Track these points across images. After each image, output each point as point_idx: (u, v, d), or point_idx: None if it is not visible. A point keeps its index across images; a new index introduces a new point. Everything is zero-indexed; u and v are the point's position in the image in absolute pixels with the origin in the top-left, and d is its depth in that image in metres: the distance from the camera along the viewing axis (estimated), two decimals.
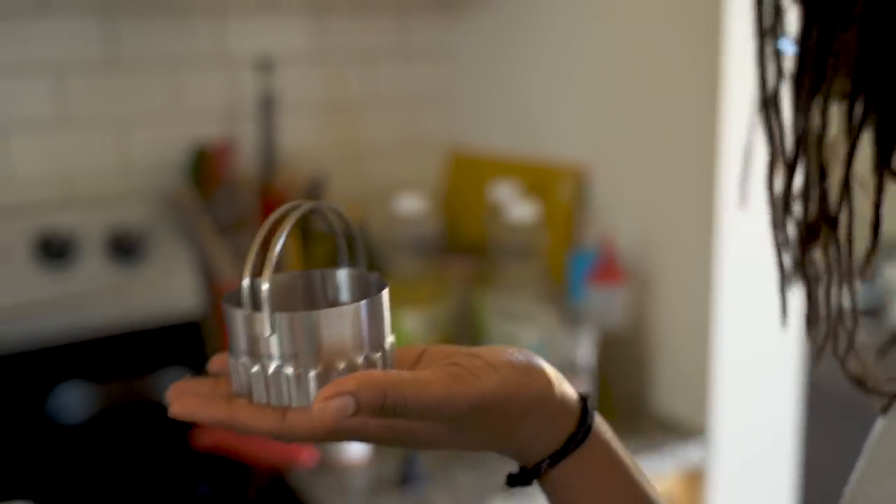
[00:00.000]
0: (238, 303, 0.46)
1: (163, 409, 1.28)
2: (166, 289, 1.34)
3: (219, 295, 1.35)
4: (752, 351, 1.21)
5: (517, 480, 0.48)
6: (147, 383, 1.31)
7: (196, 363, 1.35)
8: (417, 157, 1.63)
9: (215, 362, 0.48)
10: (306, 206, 0.45)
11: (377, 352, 0.45)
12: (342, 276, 0.51)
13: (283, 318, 0.42)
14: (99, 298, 1.30)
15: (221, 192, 1.34)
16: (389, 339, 0.47)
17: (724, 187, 1.13)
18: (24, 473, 1.10)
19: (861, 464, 0.51)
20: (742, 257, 1.17)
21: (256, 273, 1.22)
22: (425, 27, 1.60)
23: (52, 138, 1.32)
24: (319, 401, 0.39)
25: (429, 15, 1.59)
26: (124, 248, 1.30)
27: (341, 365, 0.43)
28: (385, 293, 0.46)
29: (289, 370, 0.43)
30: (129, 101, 1.36)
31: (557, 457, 0.46)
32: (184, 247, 1.35)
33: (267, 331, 0.42)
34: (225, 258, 1.32)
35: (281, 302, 0.50)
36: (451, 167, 1.62)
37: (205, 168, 1.35)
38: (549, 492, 0.48)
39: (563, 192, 1.36)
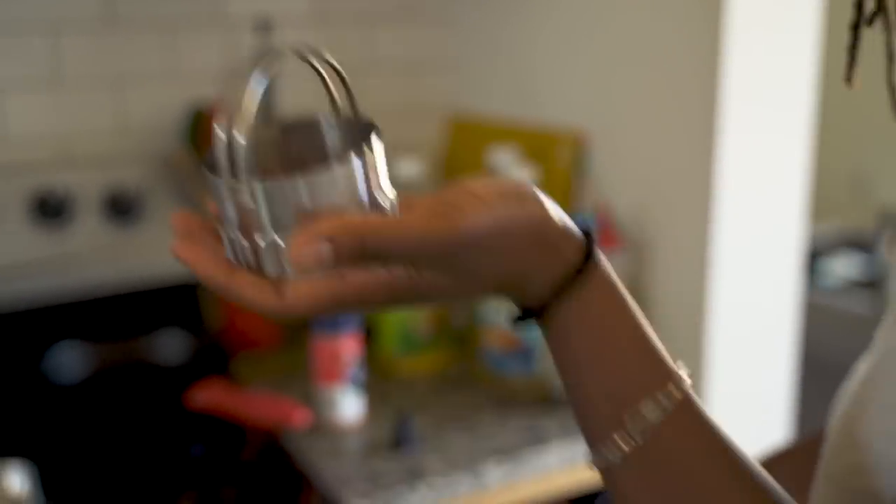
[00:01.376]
0: (216, 167, 0.41)
1: (158, 369, 1.28)
2: (163, 250, 1.33)
3: None
4: (747, 319, 1.21)
5: (520, 319, 0.45)
6: (143, 344, 1.31)
7: (192, 325, 1.35)
8: (417, 121, 1.62)
9: (178, 220, 0.44)
10: (288, 49, 0.41)
11: (376, 211, 0.41)
12: (328, 122, 0.46)
13: (264, 186, 0.38)
14: (95, 259, 1.30)
15: None
16: (390, 195, 0.42)
17: (723, 157, 1.12)
18: (20, 433, 1.11)
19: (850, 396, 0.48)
20: (738, 226, 1.16)
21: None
22: None
23: (48, 98, 1.31)
24: (294, 249, 0.36)
25: None
26: (121, 208, 1.30)
27: None
28: (378, 143, 0.41)
29: (282, 241, 0.39)
30: (126, 62, 1.35)
31: (560, 287, 0.43)
32: (180, 208, 1.35)
33: (249, 201, 0.39)
34: None
35: (262, 160, 0.44)
36: (450, 132, 1.61)
37: (202, 129, 1.34)
38: (550, 337, 0.45)
39: (562, 158, 1.35)
